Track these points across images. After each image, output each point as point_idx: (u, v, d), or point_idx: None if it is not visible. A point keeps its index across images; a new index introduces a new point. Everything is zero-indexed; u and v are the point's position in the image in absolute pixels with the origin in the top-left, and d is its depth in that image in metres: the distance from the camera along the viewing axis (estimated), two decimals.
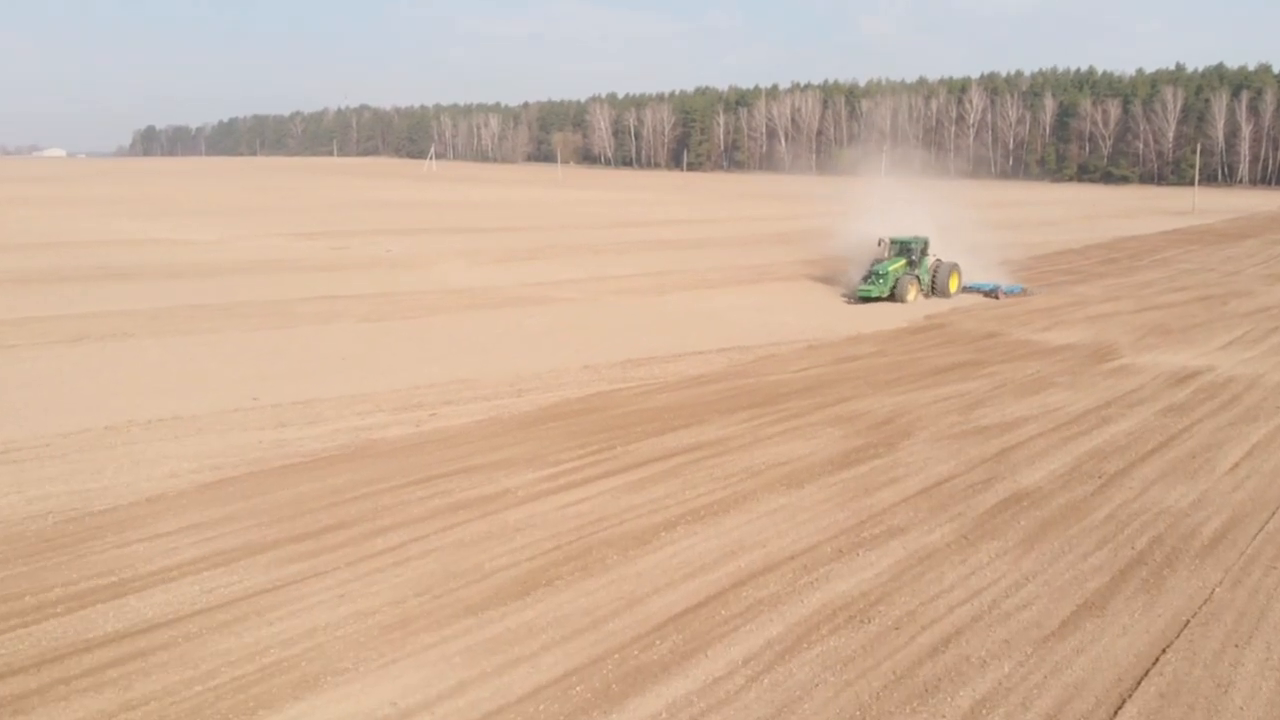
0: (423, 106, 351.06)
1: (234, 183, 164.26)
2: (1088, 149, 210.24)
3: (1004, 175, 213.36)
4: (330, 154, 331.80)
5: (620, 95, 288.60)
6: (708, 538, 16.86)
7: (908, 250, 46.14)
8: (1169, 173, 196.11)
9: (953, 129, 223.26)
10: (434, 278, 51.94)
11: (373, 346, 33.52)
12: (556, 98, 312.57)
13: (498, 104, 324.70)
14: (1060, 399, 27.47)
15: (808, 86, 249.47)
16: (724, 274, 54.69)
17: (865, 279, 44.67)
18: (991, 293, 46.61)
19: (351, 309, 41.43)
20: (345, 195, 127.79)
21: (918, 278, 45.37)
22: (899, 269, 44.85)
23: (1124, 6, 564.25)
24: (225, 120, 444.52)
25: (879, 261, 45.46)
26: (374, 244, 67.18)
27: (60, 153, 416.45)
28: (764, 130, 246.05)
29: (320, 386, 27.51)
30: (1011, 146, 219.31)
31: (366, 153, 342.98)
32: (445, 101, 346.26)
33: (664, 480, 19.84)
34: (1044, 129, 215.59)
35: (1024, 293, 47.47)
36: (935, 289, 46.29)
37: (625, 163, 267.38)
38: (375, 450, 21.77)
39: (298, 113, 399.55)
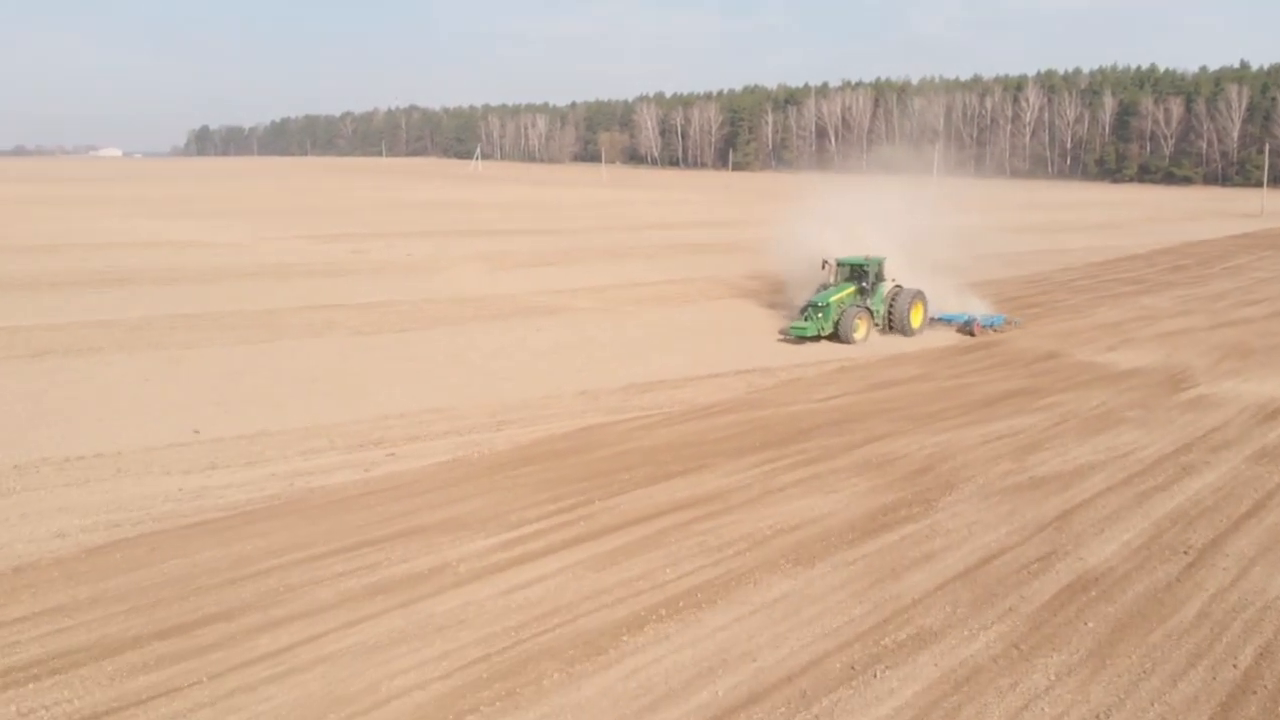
0: (471, 107, 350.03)
1: (276, 183, 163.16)
2: (1149, 148, 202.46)
3: (1062, 175, 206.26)
4: (379, 154, 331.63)
5: (668, 95, 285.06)
6: (682, 644, 13.13)
7: (859, 274, 36.15)
8: (1234, 173, 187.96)
9: (1008, 128, 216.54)
10: (448, 284, 48.66)
11: (353, 366, 30.17)
12: (604, 97, 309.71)
13: (545, 104, 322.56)
14: (1131, 440, 23.33)
15: (859, 84, 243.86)
16: (759, 281, 50.72)
17: (802, 311, 35.28)
18: (966, 326, 37.02)
19: (348, 320, 38.21)
20: (384, 196, 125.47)
21: (869, 309, 35.61)
22: (845, 299, 35.20)
23: (1185, 3, 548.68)
24: (277, 120, 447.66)
25: (824, 288, 35.99)
26: (397, 247, 64.23)
27: (116, 153, 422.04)
28: (813, 129, 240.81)
29: (276, 416, 24.17)
30: (1069, 146, 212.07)
31: (415, 153, 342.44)
32: (494, 102, 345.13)
33: (643, 551, 16.13)
34: (1103, 128, 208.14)
35: (1007, 325, 38.01)
36: (893, 323, 36.09)
37: (671, 162, 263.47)
38: (307, 504, 18.31)
39: (348, 113, 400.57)
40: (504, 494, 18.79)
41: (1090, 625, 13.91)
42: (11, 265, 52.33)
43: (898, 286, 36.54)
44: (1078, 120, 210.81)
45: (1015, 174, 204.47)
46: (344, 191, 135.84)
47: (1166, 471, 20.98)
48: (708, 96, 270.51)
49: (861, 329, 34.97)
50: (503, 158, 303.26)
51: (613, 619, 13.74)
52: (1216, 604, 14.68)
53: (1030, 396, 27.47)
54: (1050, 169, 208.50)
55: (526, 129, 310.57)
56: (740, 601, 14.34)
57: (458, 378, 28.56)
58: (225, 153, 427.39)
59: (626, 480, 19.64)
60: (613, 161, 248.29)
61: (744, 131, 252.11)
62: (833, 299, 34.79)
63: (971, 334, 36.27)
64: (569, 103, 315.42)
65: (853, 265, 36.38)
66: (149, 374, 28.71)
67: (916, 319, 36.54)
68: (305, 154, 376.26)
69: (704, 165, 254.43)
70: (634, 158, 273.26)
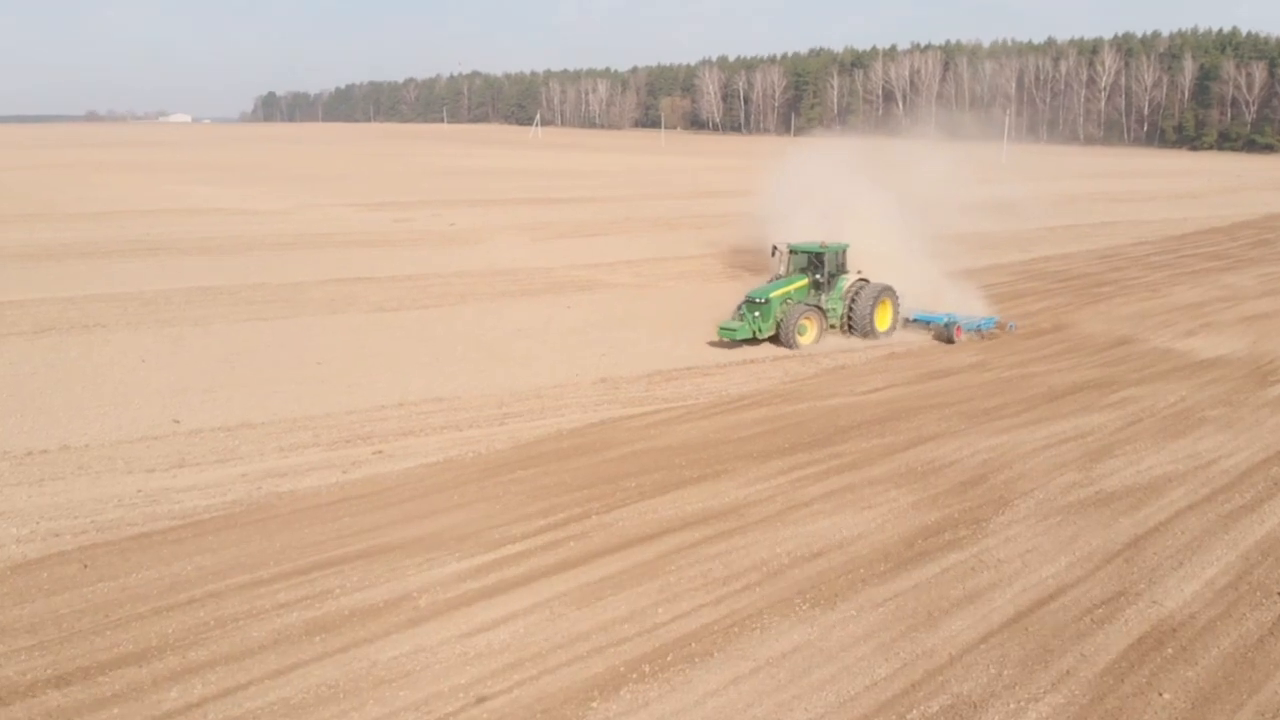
0: (532, 73, 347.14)
1: (334, 149, 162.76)
2: (1230, 115, 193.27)
3: (1138, 142, 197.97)
4: (441, 120, 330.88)
5: (731, 58, 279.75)
6: (662, 716, 10.86)
7: (815, 264, 30.04)
8: None
9: (1083, 93, 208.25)
10: (484, 256, 46.66)
11: (364, 347, 28.23)
12: (666, 62, 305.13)
13: (607, 69, 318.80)
14: (1214, 445, 20.50)
15: (928, 47, 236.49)
16: None
17: (738, 309, 29.26)
18: (945, 330, 30.13)
19: (371, 295, 36.37)
20: (439, 163, 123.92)
21: (820, 308, 29.51)
22: (794, 293, 29.24)
23: None
24: (342, 87, 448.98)
25: (777, 279, 30.18)
26: (441, 216, 62.43)
27: (186, 118, 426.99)
28: (880, 93, 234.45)
29: (265, 404, 22.29)
30: (1146, 112, 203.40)
31: (476, 119, 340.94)
32: (555, 68, 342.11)
33: (635, 582, 13.87)
34: (1182, 93, 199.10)
35: (999, 329, 31.24)
36: (854, 324, 29.97)
37: (734, 128, 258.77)
38: (269, 513, 16.33)
39: (411, 79, 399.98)
40: (490, 504, 16.63)
41: (1166, 697, 11.38)
42: (49, 233, 51.54)
43: (862, 280, 30.30)
44: (1155, 85, 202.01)
45: (1089, 141, 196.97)
46: (400, 158, 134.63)
47: (1255, 487, 18.19)
48: (771, 60, 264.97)
49: (810, 331, 28.97)
50: (563, 124, 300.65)
51: (584, 676, 11.51)
52: None
53: (1100, 390, 24.63)
54: (1126, 136, 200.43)
55: (587, 95, 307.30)
56: (741, 655, 12.02)
57: (471, 361, 26.47)
58: (291, 118, 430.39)
59: (632, 489, 17.37)
60: (673, 127, 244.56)
61: (808, 96, 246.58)
62: (774, 294, 28.73)
63: (950, 340, 29.73)
64: (630, 67, 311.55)
65: (807, 253, 30.18)
66: (148, 354, 27.08)
67: (883, 320, 30.31)
68: (369, 120, 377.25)
69: (766, 130, 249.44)
70: (695, 123, 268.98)
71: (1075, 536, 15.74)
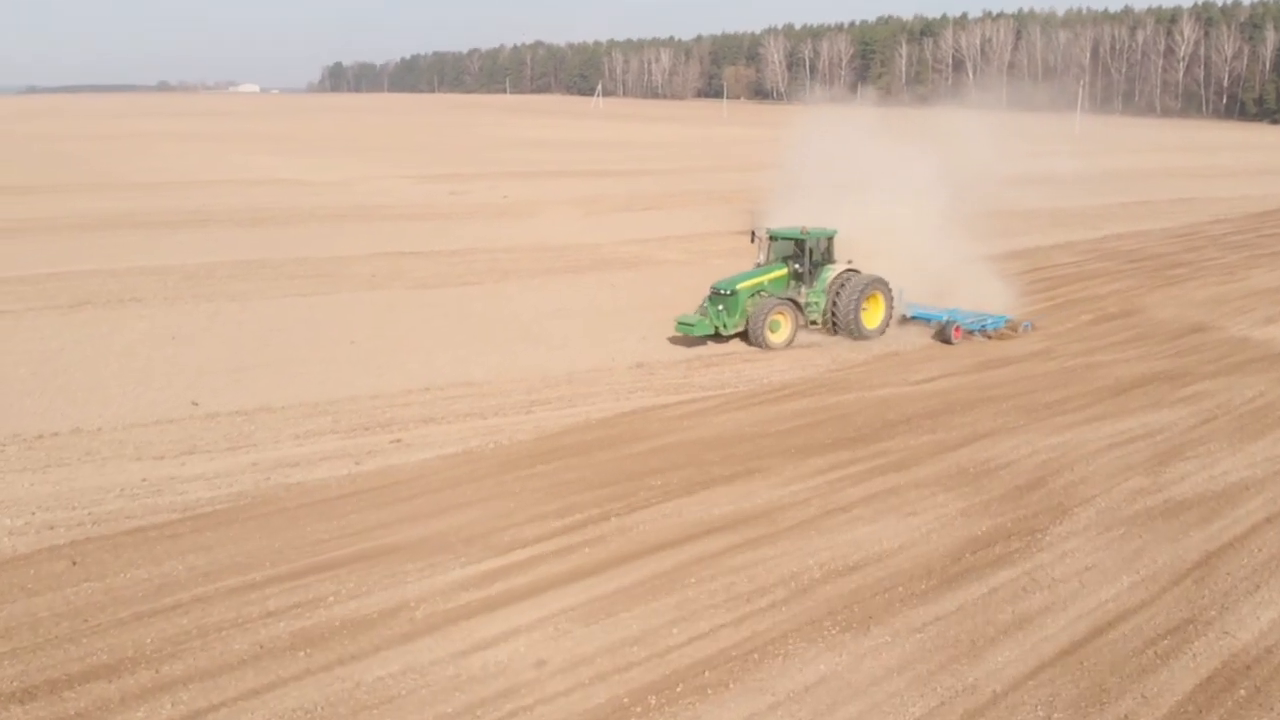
0: (596, 42, 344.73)
1: (396, 119, 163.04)
2: None
3: (1217, 115, 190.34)
4: (504, 91, 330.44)
5: (796, 26, 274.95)
6: None
7: (799, 252, 26.61)
8: None
9: (1160, 63, 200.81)
10: (534, 230, 45.73)
11: (399, 326, 27.44)
12: (730, 30, 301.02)
13: (671, 38, 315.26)
14: None
15: (1000, 15, 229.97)
16: None
17: (704, 301, 25.92)
18: (944, 330, 26.49)
19: (414, 270, 35.64)
20: (498, 134, 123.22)
21: (795, 302, 26.01)
22: (768, 284, 25.92)
23: None
24: (407, 57, 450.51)
25: (762, 267, 26.76)
26: (497, 188, 61.66)
27: (254, 89, 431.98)
28: (950, 62, 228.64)
29: (288, 387, 21.56)
30: (1226, 83, 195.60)
31: (539, 90, 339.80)
32: (619, 37, 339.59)
33: (651, 597, 12.77)
34: (1264, 64, 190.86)
35: (1010, 329, 27.24)
36: (838, 320, 26.36)
37: (798, 98, 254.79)
38: (273, 507, 15.51)
39: (475, 50, 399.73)
40: (505, 502, 15.63)
41: None
42: (106, 203, 51.75)
43: (850, 271, 26.64)
44: (1236, 56, 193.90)
45: (1166, 113, 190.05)
46: (461, 129, 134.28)
47: None
48: (838, 28, 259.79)
49: (783, 329, 25.51)
50: (625, 94, 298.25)
51: (582, 709, 10.45)
52: None
53: (1171, 383, 22.93)
54: (1204, 108, 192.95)
55: (650, 64, 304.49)
56: (759, 687, 10.87)
57: (505, 343, 25.50)
58: (357, 89, 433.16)
59: (657, 488, 16.25)
60: (736, 97, 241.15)
61: (876, 65, 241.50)
62: (741, 284, 25.43)
63: (948, 340, 26.16)
64: (694, 36, 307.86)
65: (789, 239, 26.74)
66: (180, 330, 26.56)
67: (872, 317, 26.60)
68: (434, 90, 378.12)
69: (832, 101, 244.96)
70: (759, 93, 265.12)
71: (1139, 552, 14.31)
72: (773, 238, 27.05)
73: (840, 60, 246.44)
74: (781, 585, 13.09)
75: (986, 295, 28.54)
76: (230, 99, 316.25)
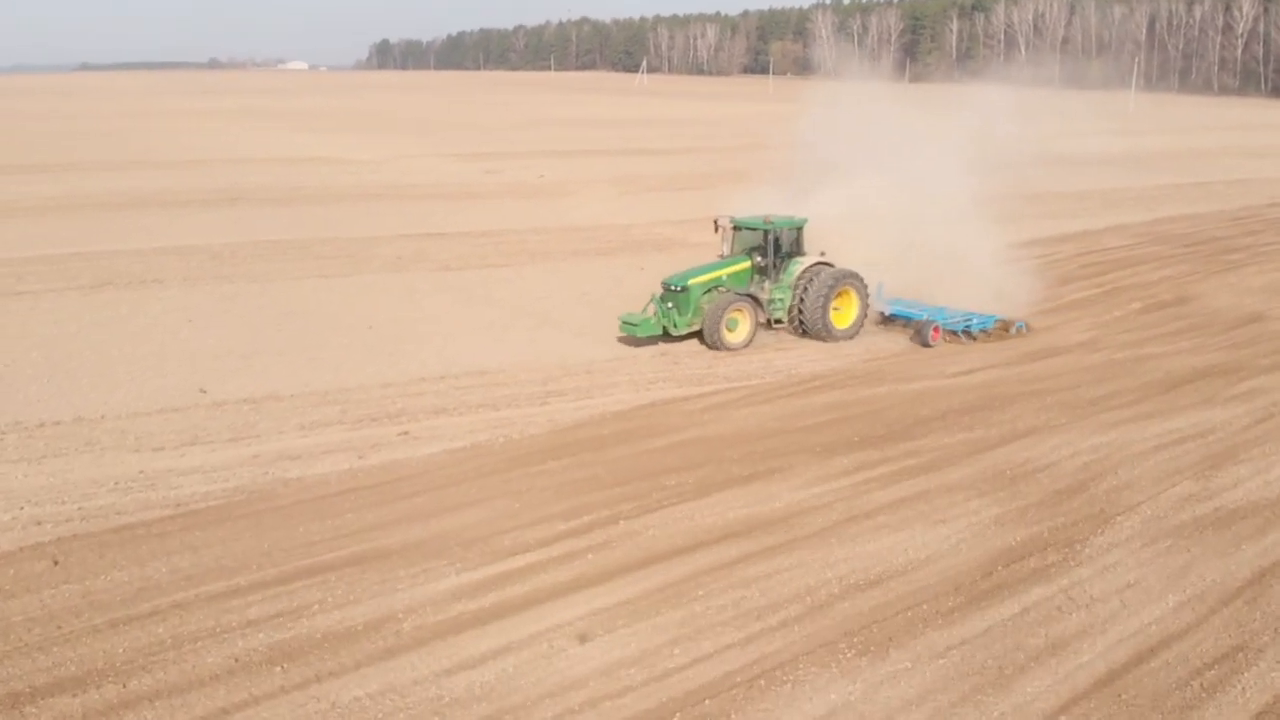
0: (641, 18, 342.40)
1: (438, 97, 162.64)
2: None
3: (1276, 93, 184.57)
4: (549, 68, 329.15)
5: (845, 0, 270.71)
6: None
7: (766, 243, 24.07)
8: None
9: (1218, 39, 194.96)
10: (567, 211, 44.93)
11: (418, 310, 26.80)
12: (777, 5, 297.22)
13: (717, 13, 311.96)
14: None
15: None
16: None
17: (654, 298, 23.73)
18: (921, 330, 24.06)
19: (440, 252, 34.97)
20: (540, 111, 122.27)
21: (755, 299, 23.66)
22: (727, 279, 23.71)
23: None
24: (453, 34, 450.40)
25: (725, 259, 24.50)
26: (533, 167, 60.88)
27: (302, 66, 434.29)
28: (1002, 37, 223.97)
29: (300, 374, 20.96)
30: None
31: (584, 67, 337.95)
32: (664, 12, 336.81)
33: (655, 611, 11.93)
34: None
35: (1000, 329, 24.76)
36: (805, 319, 23.95)
37: (845, 74, 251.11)
38: (269, 504, 14.86)
39: (520, 26, 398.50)
40: (509, 502, 14.85)
41: None
42: (138, 181, 51.63)
43: (821, 264, 24.13)
44: None
45: (1224, 90, 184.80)
46: (502, 106, 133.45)
47: None
48: (888, 2, 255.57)
49: (741, 327, 23.28)
50: (670, 71, 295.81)
51: None
52: None
53: (1225, 377, 21.63)
54: (1264, 86, 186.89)
55: (695, 40, 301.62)
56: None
57: (526, 329, 24.75)
58: (404, 66, 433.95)
59: (672, 488, 15.39)
60: (783, 73, 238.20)
61: (925, 40, 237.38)
62: (694, 280, 23.21)
63: (925, 343, 23.69)
64: (741, 11, 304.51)
65: (753, 229, 24.31)
66: (197, 313, 26.09)
67: (842, 315, 24.17)
68: (479, 68, 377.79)
69: (880, 77, 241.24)
70: (807, 69, 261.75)
71: (1187, 568, 13.22)
72: (736, 227, 24.65)
73: (890, 35, 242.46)
74: (796, 601, 12.18)
75: (1000, 289, 25.78)
76: (278, 76, 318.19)
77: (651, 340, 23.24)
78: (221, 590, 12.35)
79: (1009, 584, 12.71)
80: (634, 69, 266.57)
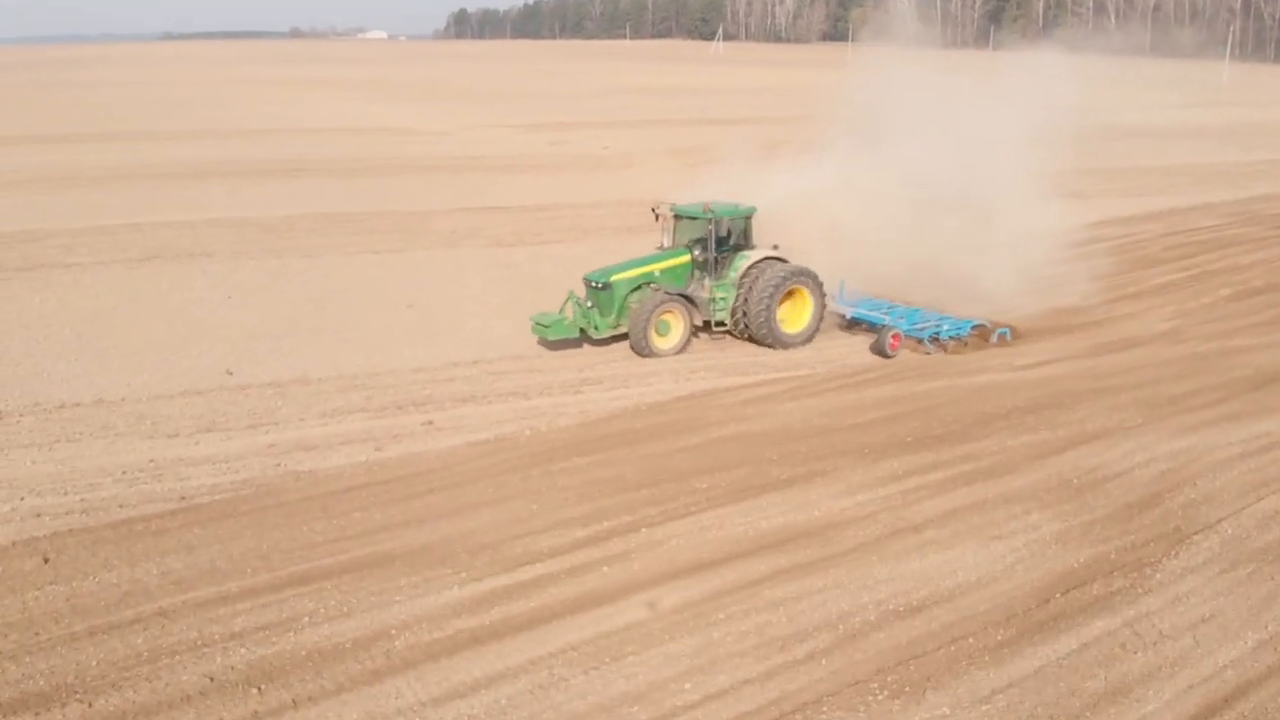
0: None
1: (513, 66, 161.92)
2: None
3: None
4: (624, 37, 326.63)
5: None
6: None
7: (712, 234, 21.23)
8: None
9: None
10: (627, 184, 43.68)
11: (463, 289, 25.98)
12: None
13: None
14: None
15: None
16: None
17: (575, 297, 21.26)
18: (880, 338, 20.98)
19: (493, 227, 34.14)
20: (612, 80, 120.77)
21: (689, 299, 21.06)
22: (660, 275, 21.20)
23: None
24: (530, 3, 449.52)
25: (663, 252, 21.94)
26: (599, 138, 59.81)
27: (382, 35, 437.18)
28: (1090, 4, 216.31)
29: (332, 355, 20.29)
30: None
31: (660, 35, 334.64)
32: None
33: (669, 636, 10.89)
34: None
35: (976, 336, 21.76)
36: (749, 322, 21.09)
37: (928, 41, 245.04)
38: (276, 498, 14.12)
39: None
40: (527, 503, 13.90)
41: None
42: (205, 152, 51.67)
43: (772, 259, 21.41)
44: None
45: None
46: (575, 76, 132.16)
47: None
48: None
49: (674, 331, 20.69)
50: (747, 38, 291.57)
51: None
52: None
53: None
54: None
55: (773, 7, 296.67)
56: None
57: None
58: (480, 35, 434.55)
59: (701, 492, 14.30)
60: (863, 40, 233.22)
61: (1011, 7, 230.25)
62: (618, 276, 20.80)
63: (884, 354, 20.76)
64: None
65: (695, 219, 21.48)
66: (238, 289, 25.64)
67: (793, 319, 21.53)
68: (555, 37, 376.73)
69: (963, 45, 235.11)
70: (887, 36, 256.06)
71: (1270, 599, 11.80)
72: (678, 216, 21.76)
73: (974, 2, 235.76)
74: (826, 629, 11.04)
75: (1017, 284, 23.02)
76: (357, 45, 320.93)
77: (566, 344, 20.86)
78: (210, 597, 11.60)
79: (1067, 614, 11.40)
80: (710, 36, 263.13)
